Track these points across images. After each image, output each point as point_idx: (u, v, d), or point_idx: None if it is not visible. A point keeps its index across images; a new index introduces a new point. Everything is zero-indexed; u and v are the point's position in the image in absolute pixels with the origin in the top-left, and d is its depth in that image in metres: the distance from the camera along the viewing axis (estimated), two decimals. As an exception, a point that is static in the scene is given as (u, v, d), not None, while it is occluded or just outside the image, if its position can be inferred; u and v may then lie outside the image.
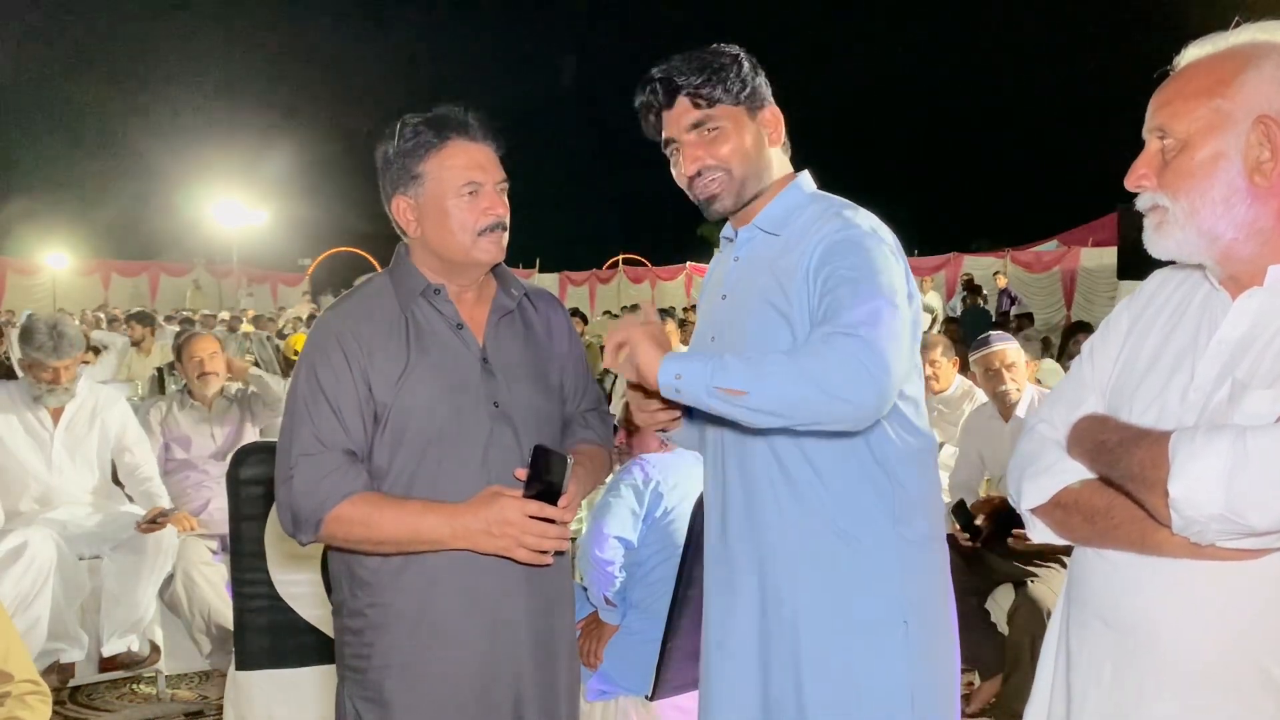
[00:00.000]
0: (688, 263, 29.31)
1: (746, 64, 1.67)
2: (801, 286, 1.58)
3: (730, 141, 1.66)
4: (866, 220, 1.63)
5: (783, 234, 1.66)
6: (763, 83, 1.69)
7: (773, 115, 1.70)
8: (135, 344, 8.30)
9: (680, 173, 1.70)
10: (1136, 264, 8.05)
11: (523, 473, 1.68)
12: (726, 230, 1.80)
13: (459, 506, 1.64)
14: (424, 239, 1.73)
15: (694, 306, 20.41)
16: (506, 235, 1.75)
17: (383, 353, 1.67)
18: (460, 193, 1.68)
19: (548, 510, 1.63)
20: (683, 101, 1.65)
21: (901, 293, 1.54)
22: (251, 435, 4.25)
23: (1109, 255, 12.79)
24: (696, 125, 1.65)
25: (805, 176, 1.74)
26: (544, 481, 1.64)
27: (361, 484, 1.65)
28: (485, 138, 1.74)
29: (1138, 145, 1.32)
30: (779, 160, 1.72)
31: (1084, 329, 8.69)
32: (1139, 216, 1.34)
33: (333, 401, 1.65)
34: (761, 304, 1.63)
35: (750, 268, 1.70)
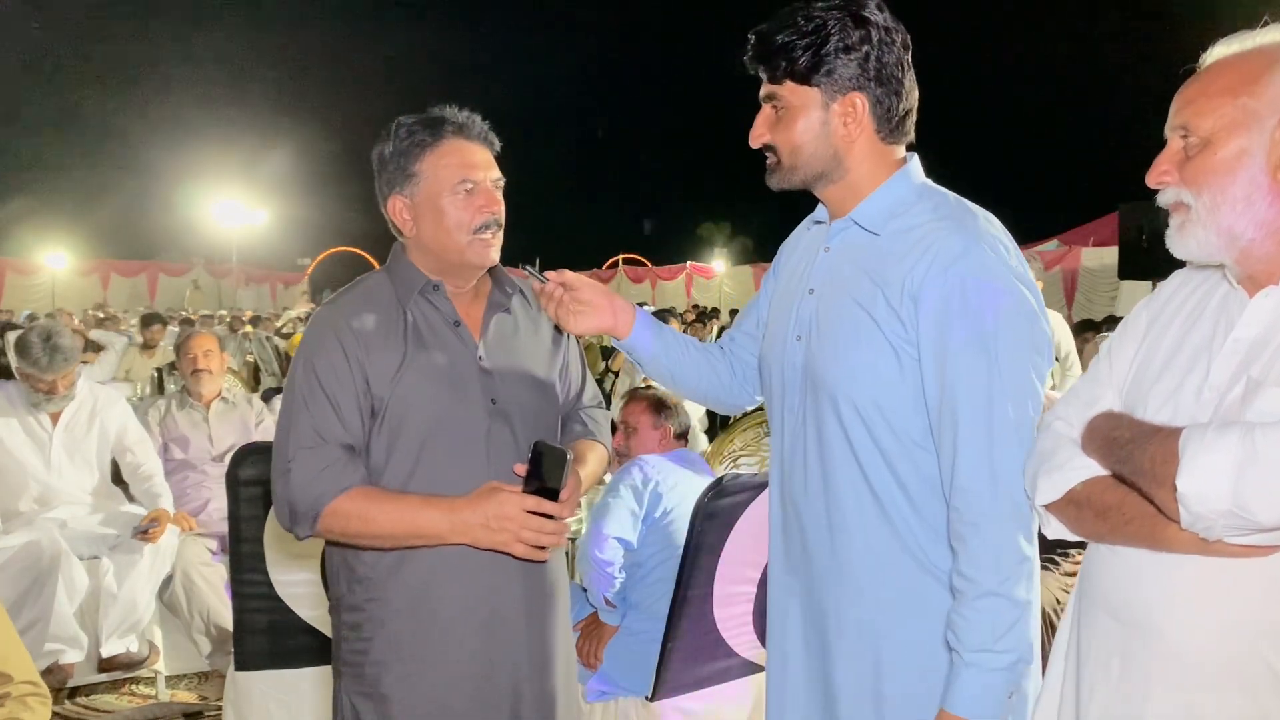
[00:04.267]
0: (688, 263, 29.33)
1: (835, 38, 1.46)
2: (910, 309, 1.44)
3: (789, 127, 1.52)
4: (986, 241, 1.44)
5: (883, 233, 1.50)
6: (854, 60, 1.47)
7: (852, 105, 1.49)
8: (149, 347, 8.26)
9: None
10: (1136, 264, 8.03)
11: (522, 468, 1.67)
12: (819, 213, 1.65)
13: (457, 501, 1.64)
14: (419, 238, 1.73)
15: (695, 307, 20.43)
16: (501, 234, 1.74)
17: (380, 347, 1.67)
18: (455, 190, 1.68)
19: (546, 506, 1.63)
20: (761, 71, 1.54)
21: (1038, 357, 1.44)
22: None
23: (1110, 255, 12.77)
24: (768, 98, 1.54)
25: (914, 165, 1.56)
26: (543, 477, 1.63)
27: (359, 478, 1.65)
28: (480, 136, 1.74)
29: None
30: (872, 150, 1.53)
31: (1091, 328, 8.69)
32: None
33: (330, 395, 1.65)
34: (855, 308, 1.49)
35: (844, 264, 1.55)
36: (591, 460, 1.85)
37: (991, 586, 1.38)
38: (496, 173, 1.74)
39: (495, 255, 1.74)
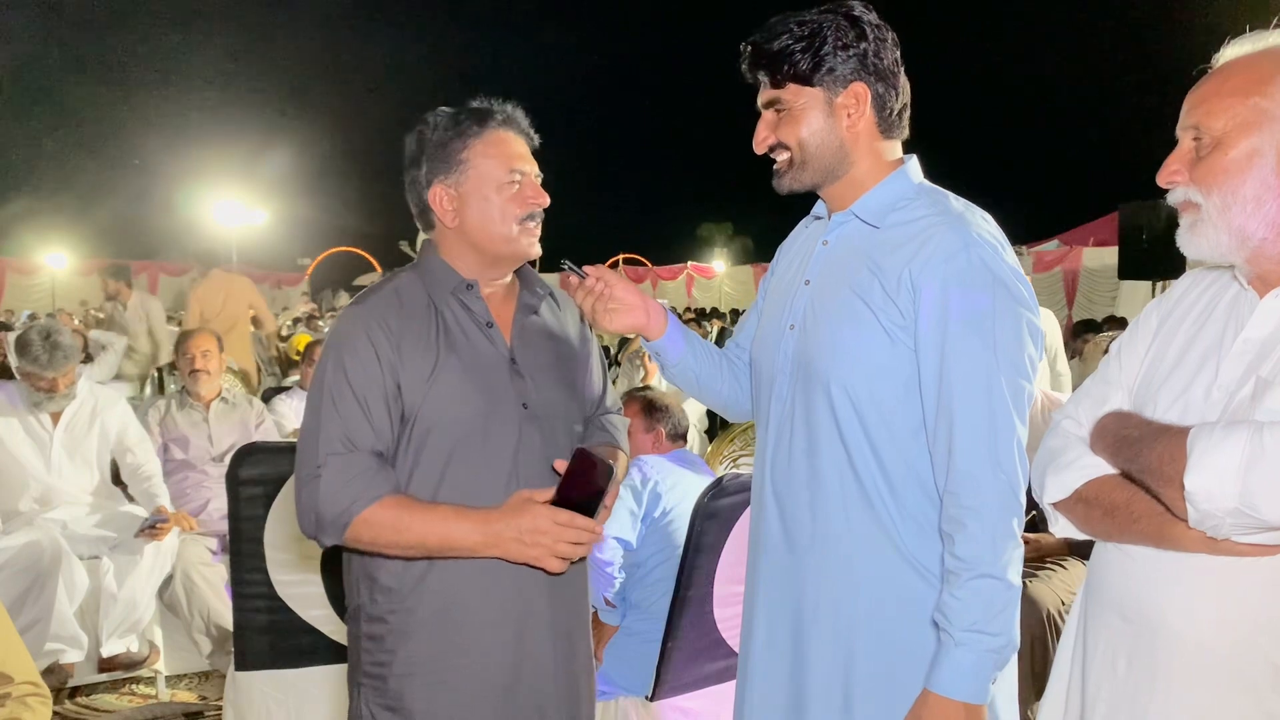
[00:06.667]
0: (688, 263, 29.32)
1: (831, 39, 1.50)
2: (908, 297, 1.46)
3: (796, 125, 1.54)
4: (987, 234, 1.47)
5: (883, 225, 1.53)
6: (853, 57, 1.51)
7: (854, 97, 1.52)
8: (110, 298, 8.01)
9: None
10: (1136, 264, 8.02)
11: (561, 464, 1.64)
12: (818, 209, 1.69)
13: (490, 513, 1.59)
14: (463, 229, 1.69)
15: (688, 309, 20.41)
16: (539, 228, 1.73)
17: (412, 350, 1.63)
18: (505, 181, 1.67)
19: (579, 521, 1.59)
20: (761, 76, 1.57)
21: (1032, 348, 1.45)
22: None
23: (1110, 255, 12.75)
24: (770, 103, 1.57)
25: (913, 164, 1.59)
26: (584, 487, 1.59)
27: (390, 487, 1.59)
28: (523, 130, 1.74)
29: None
30: (874, 145, 1.56)
31: (1091, 328, 8.68)
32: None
33: (360, 398, 1.60)
34: (852, 297, 1.51)
35: (842, 256, 1.57)
36: (615, 467, 1.81)
37: (987, 569, 1.39)
38: (537, 167, 1.73)
39: (538, 249, 1.73)
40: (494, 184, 1.67)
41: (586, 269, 1.72)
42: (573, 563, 1.67)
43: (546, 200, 1.71)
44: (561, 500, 1.60)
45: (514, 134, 1.71)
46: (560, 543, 1.58)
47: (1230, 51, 1.30)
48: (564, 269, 1.75)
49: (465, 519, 1.59)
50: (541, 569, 1.62)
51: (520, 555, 1.59)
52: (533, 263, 1.80)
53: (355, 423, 1.60)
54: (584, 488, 1.60)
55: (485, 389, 1.66)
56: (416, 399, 1.62)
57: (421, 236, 1.82)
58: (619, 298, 1.70)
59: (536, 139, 1.76)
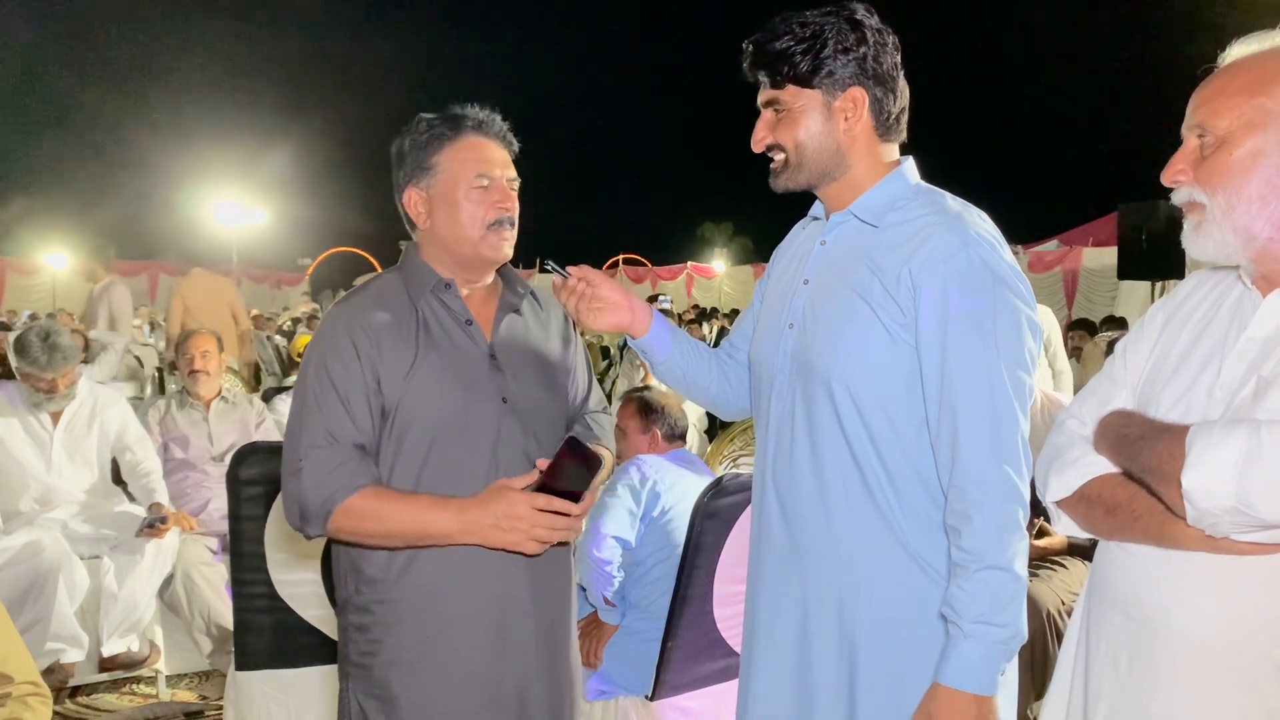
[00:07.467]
0: (688, 263, 29.34)
1: (832, 42, 1.51)
2: (908, 295, 1.47)
3: (793, 127, 1.55)
4: (985, 232, 1.49)
5: (881, 225, 1.54)
6: (853, 61, 1.51)
7: (852, 101, 1.53)
8: (89, 279, 7.89)
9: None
10: (1136, 264, 8.03)
11: (544, 463, 1.66)
12: (816, 209, 1.70)
13: (467, 501, 1.64)
14: (433, 231, 1.74)
15: (695, 307, 20.41)
16: (514, 232, 1.76)
17: (392, 346, 1.68)
18: (472, 184, 1.70)
19: (557, 504, 1.62)
20: (761, 76, 1.58)
21: (1032, 343, 1.46)
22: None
23: (1110, 255, 12.74)
24: (769, 103, 1.58)
25: (909, 165, 1.61)
26: (570, 474, 1.62)
27: (371, 477, 1.65)
28: (499, 135, 1.77)
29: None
30: (871, 148, 1.57)
31: (1084, 327, 8.69)
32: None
33: (342, 395, 1.65)
34: (851, 295, 1.52)
35: (841, 255, 1.58)
36: (604, 467, 1.84)
37: (994, 560, 1.40)
38: (513, 172, 1.76)
39: (508, 251, 1.76)
40: (462, 188, 1.71)
41: (570, 269, 1.74)
42: (552, 548, 1.70)
43: (513, 205, 1.74)
44: (546, 487, 1.63)
45: (488, 139, 1.74)
46: (537, 527, 1.62)
47: (1236, 51, 1.30)
48: (547, 269, 1.77)
49: (443, 508, 1.63)
50: (519, 553, 1.65)
51: (498, 540, 1.63)
52: (532, 263, 1.82)
53: (337, 418, 1.65)
54: (569, 475, 1.62)
55: (464, 384, 1.70)
56: (396, 394, 1.66)
57: None
58: (603, 296, 1.72)
59: (516, 145, 1.79)
